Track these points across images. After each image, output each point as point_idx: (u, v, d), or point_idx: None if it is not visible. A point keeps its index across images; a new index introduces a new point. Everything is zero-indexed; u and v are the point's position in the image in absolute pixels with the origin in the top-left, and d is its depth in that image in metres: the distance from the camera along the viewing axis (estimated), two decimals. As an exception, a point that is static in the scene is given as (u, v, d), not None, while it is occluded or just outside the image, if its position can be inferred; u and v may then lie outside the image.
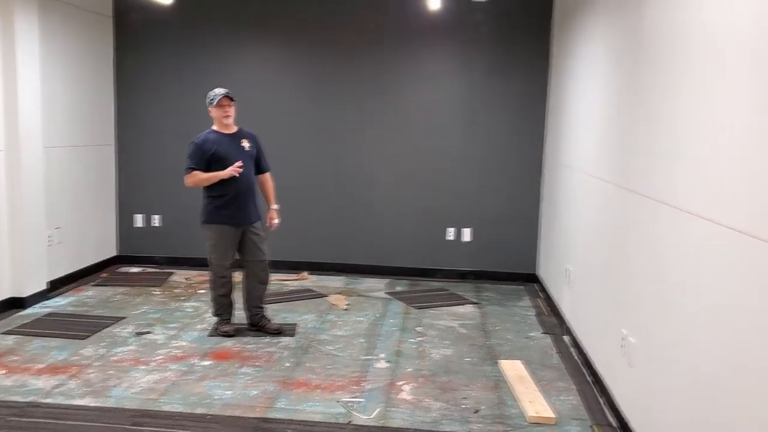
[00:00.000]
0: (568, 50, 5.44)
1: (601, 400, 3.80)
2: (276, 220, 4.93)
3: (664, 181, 2.94)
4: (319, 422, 3.47)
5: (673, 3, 2.92)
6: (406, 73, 6.50)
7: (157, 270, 6.72)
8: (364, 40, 6.49)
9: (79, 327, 4.88)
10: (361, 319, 5.27)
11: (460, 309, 5.63)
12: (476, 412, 3.64)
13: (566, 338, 4.87)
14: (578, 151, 4.88)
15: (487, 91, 6.43)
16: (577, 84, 5.05)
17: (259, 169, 4.87)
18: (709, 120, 2.47)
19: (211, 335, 4.78)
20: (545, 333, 5.04)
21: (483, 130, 6.48)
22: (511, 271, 6.58)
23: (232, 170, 4.57)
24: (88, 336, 4.69)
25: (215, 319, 4.90)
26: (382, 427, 3.44)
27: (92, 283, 6.15)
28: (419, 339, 4.83)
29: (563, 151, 5.47)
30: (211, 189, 4.65)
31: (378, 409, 3.63)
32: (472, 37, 6.38)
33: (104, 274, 6.50)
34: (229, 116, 4.69)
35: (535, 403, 3.68)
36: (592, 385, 4.03)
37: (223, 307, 4.84)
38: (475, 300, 5.90)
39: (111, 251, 6.88)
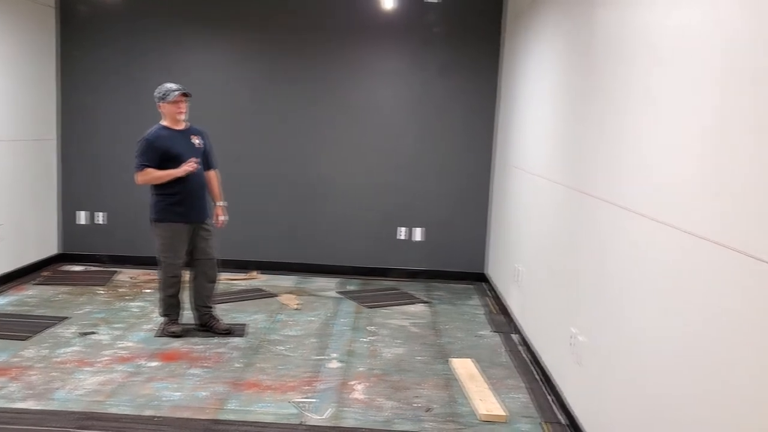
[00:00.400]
0: (519, 52, 5.51)
1: (550, 398, 3.86)
2: (223, 217, 4.86)
3: (612, 183, 3.01)
4: (271, 423, 3.44)
5: (621, 7, 2.99)
6: (359, 72, 6.49)
7: (102, 269, 6.54)
8: (317, 38, 6.45)
9: (20, 327, 4.72)
10: (313, 318, 5.24)
11: (412, 308, 5.65)
12: (428, 410, 3.66)
13: (515, 336, 4.94)
14: (528, 152, 4.95)
15: (439, 92, 6.47)
16: (527, 86, 5.13)
17: (207, 166, 4.80)
18: (654, 123, 2.53)
19: (158, 336, 4.68)
20: (495, 331, 5.10)
21: (434, 131, 6.52)
22: (461, 270, 6.65)
23: (188, 167, 4.48)
24: (30, 337, 4.54)
25: (162, 319, 4.80)
26: (334, 427, 3.43)
27: (33, 282, 5.95)
28: (371, 338, 4.83)
29: (513, 152, 5.54)
30: (163, 186, 4.55)
31: (330, 409, 3.62)
32: (424, 37, 6.42)
33: (46, 273, 6.30)
34: (182, 113, 4.61)
35: (486, 402, 3.73)
36: (541, 383, 4.09)
37: (171, 307, 4.74)
38: (426, 299, 5.93)
39: (53, 249, 6.67)
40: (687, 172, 2.25)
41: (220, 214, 4.86)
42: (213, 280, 4.79)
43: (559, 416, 3.64)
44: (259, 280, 6.38)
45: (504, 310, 5.49)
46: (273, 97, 6.54)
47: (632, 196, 2.75)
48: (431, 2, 6.30)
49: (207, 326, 4.78)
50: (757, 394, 1.78)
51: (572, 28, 3.86)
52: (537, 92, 4.77)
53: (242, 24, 6.48)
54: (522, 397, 3.89)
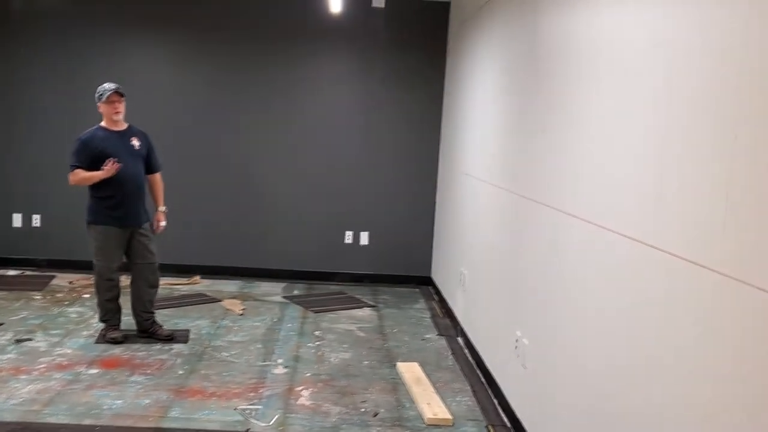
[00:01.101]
0: (464, 59, 5.58)
1: (495, 401, 3.91)
2: (163, 223, 4.76)
3: (554, 188, 3.08)
4: (216, 431, 3.38)
5: (565, 15, 3.06)
6: (306, 76, 6.46)
7: (38, 273, 6.33)
8: (263, 41, 6.40)
9: (-51, 335, 4.53)
10: (258, 324, 5.19)
11: (358, 312, 5.65)
12: (375, 415, 3.66)
13: (460, 340, 4.99)
14: (473, 158, 5.02)
15: (385, 96, 6.50)
16: (472, 92, 5.19)
17: (150, 169, 4.70)
18: (594, 130, 2.60)
19: (98, 342, 4.56)
20: (440, 335, 5.14)
21: (381, 135, 6.54)
22: (407, 274, 6.68)
23: (109, 168, 4.36)
24: (-40, 345, 4.37)
25: (102, 325, 4.67)
26: (281, 433, 3.40)
27: (-36, 288, 5.72)
28: (317, 343, 4.80)
29: (458, 157, 5.60)
30: (99, 188, 4.44)
31: (276, 416, 3.58)
32: (371, 42, 6.43)
33: (-23, 278, 6.06)
34: (118, 113, 4.50)
35: (432, 405, 3.75)
36: (486, 386, 4.14)
37: (110, 313, 4.62)
38: (372, 303, 5.94)
39: (-15, 253, 6.43)
40: (625, 177, 2.32)
41: (160, 220, 4.75)
42: (153, 285, 4.69)
43: (504, 419, 3.69)
44: (202, 284, 6.27)
45: (449, 314, 5.54)
46: (218, 99, 6.45)
47: (573, 201, 2.82)
48: (377, 8, 6.32)
49: (148, 332, 4.67)
50: (693, 392, 1.84)
51: (516, 38, 3.93)
52: (482, 99, 4.84)
53: (187, 26, 6.38)
54: (467, 401, 3.93)
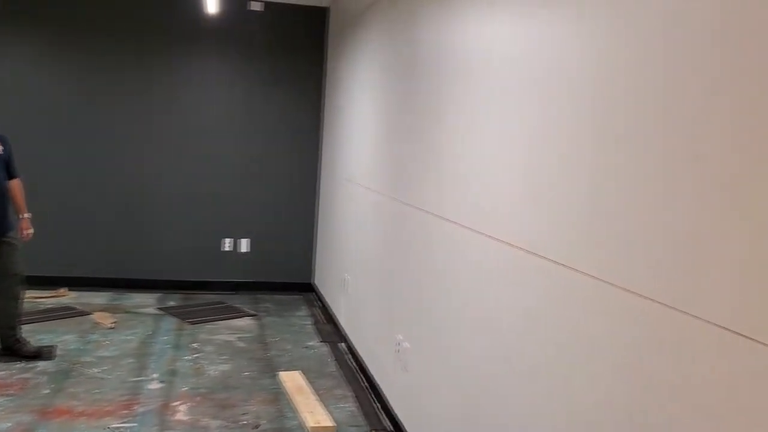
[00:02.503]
0: (343, 65, 5.60)
1: (377, 406, 3.94)
2: (30, 230, 4.47)
3: (432, 194, 3.14)
4: (85, 453, 3.20)
5: (440, 27, 3.13)
6: (183, 78, 6.26)
7: None
8: (139, 40, 6.13)
9: None
10: (130, 337, 4.95)
11: (238, 322, 5.52)
12: (256, 427, 3.58)
13: (342, 345, 4.99)
14: (354, 163, 5.04)
15: (265, 101, 6.40)
16: (351, 99, 5.21)
17: (10, 175, 4.39)
18: (471, 137, 2.67)
19: (-50, 364, 4.20)
20: (322, 342, 5.12)
21: (260, 140, 6.44)
22: (288, 281, 6.61)
23: None
24: None
25: (-45, 344, 4.31)
26: (156, 451, 3.25)
27: None
28: (195, 356, 4.65)
29: (339, 162, 5.61)
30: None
31: (152, 433, 3.43)
32: (249, 45, 6.32)
33: None
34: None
35: (314, 414, 3.72)
36: (367, 391, 4.16)
37: (-34, 330, 4.27)
38: (253, 312, 5.82)
39: None
40: (498, 183, 2.39)
41: (25, 228, 4.46)
42: (17, 298, 4.38)
43: (386, 423, 3.71)
44: (69, 297, 5.92)
45: (332, 320, 5.53)
46: (87, 102, 6.11)
47: (449, 206, 2.89)
48: (254, 11, 6.23)
49: (11, 349, 4.35)
50: (565, 392, 1.93)
51: (394, 45, 3.98)
52: (361, 106, 4.87)
53: (57, 24, 6.01)
54: (349, 407, 3.93)
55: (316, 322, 5.63)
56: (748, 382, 1.29)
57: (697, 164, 1.44)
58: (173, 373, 4.30)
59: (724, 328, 1.34)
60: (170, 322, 5.39)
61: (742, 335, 1.30)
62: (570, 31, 1.99)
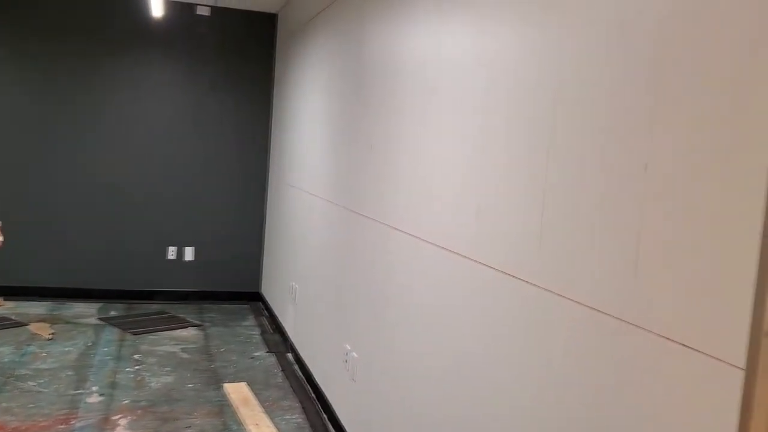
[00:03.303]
0: (291, 73, 5.54)
1: (324, 416, 3.88)
2: None
3: (379, 202, 3.11)
4: (18, 471, 3.06)
5: (390, 34, 3.12)
6: (130, 82, 6.09)
7: None
8: (85, 45, 5.95)
9: None
10: (69, 349, 4.78)
11: (182, 332, 5.39)
12: (200, 440, 3.49)
13: (290, 355, 4.92)
14: (302, 171, 4.98)
15: (212, 106, 6.29)
16: (300, 106, 5.16)
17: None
18: (420, 147, 2.66)
19: None
20: (269, 352, 5.04)
21: (207, 146, 6.32)
22: (235, 290, 6.49)
23: None
24: None
25: None
26: (94, 468, 3.14)
27: None
28: (137, 368, 4.51)
29: (288, 171, 5.55)
30: None
31: (90, 449, 3.31)
32: (197, 50, 6.21)
33: None
34: None
35: (260, 426, 3.65)
36: (315, 401, 4.10)
37: None
38: (198, 322, 5.70)
39: None
40: (446, 193, 2.39)
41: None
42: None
43: (334, 434, 3.67)
44: (5, 307, 5.69)
45: (280, 330, 5.45)
46: (31, 105, 5.90)
47: (398, 216, 2.87)
48: (202, 15, 6.13)
49: (-62, 364, 4.16)
50: (515, 403, 1.92)
51: (343, 52, 3.96)
52: (310, 113, 4.82)
53: (2, 30, 5.80)
54: (296, 418, 3.87)
55: (263, 332, 5.54)
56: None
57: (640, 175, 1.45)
58: (114, 385, 4.16)
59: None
60: (112, 333, 5.23)
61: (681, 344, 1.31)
62: (511, 42, 2.00)
